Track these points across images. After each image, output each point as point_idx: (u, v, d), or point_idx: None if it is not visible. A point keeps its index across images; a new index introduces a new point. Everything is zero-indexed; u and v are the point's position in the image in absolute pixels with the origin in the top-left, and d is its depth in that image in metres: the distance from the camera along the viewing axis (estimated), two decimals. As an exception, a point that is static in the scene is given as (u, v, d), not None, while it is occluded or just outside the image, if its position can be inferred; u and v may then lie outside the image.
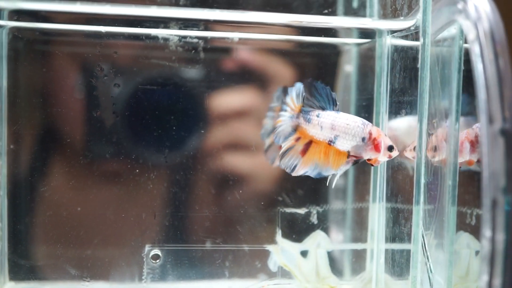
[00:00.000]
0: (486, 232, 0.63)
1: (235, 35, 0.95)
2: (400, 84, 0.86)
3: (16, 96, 0.92)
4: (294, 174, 0.79)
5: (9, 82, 0.92)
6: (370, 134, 0.79)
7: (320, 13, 0.98)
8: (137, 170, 0.95)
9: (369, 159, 0.80)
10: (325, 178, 0.81)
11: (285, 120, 0.80)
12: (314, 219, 0.98)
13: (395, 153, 0.80)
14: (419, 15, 0.79)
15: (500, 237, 0.62)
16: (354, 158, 0.80)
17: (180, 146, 0.96)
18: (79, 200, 0.95)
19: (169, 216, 0.97)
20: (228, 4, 0.96)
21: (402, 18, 0.86)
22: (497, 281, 0.63)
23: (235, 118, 0.98)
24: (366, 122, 0.80)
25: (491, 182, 0.63)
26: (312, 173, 0.79)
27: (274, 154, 0.85)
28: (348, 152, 0.79)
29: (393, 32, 0.88)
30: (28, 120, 0.93)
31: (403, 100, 0.85)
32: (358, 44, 1.00)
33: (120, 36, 0.93)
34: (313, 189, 0.98)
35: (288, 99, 0.79)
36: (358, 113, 0.98)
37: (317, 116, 0.79)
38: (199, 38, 0.94)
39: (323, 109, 0.79)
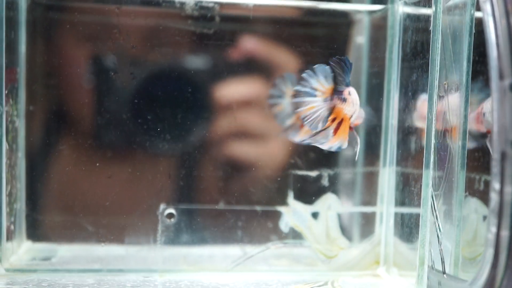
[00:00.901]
0: (495, 185, 0.64)
1: (250, 1, 0.97)
2: (412, 48, 0.87)
3: (35, 60, 0.94)
4: (322, 147, 0.77)
5: (27, 46, 0.93)
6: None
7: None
8: (153, 131, 0.96)
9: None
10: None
11: (320, 105, 0.75)
12: (325, 182, 1.00)
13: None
14: (432, -20, 0.80)
15: (509, 189, 0.63)
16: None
17: (195, 108, 0.97)
18: (96, 160, 0.96)
19: (184, 176, 0.98)
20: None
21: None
22: (505, 233, 0.64)
23: (248, 82, 0.99)
24: None
25: (500, 136, 0.64)
26: (334, 148, 0.77)
27: (294, 131, 0.85)
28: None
29: (405, -3, 0.89)
30: (47, 81, 0.95)
31: (414, 65, 0.86)
32: (370, 12, 1.01)
33: (138, 1, 0.95)
34: (325, 153, 0.99)
35: (315, 83, 0.74)
36: (369, 81, 0.99)
37: (349, 93, 0.76)
38: (215, 2, 0.96)
39: (347, 84, 0.76)
